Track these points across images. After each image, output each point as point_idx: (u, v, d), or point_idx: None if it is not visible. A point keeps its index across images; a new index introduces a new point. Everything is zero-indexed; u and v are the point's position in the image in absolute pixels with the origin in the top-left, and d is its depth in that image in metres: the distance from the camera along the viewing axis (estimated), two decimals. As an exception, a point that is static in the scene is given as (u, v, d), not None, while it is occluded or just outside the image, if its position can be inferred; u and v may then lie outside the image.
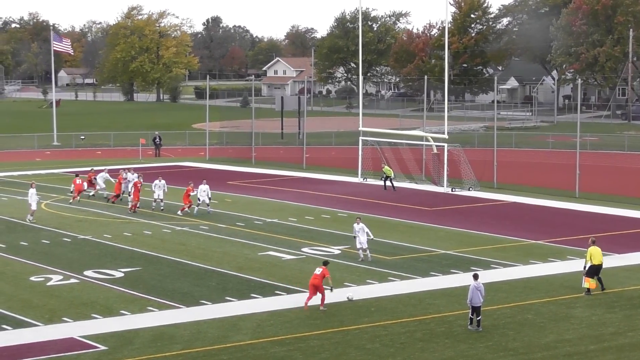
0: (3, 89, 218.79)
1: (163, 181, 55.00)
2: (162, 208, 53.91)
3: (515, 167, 76.48)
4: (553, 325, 30.94)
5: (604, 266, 35.55)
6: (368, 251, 40.66)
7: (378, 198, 59.43)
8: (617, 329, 30.63)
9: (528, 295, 34.85)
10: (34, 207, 51.26)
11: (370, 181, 66.85)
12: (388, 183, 63.15)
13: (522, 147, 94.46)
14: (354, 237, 40.92)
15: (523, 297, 34.56)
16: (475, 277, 30.98)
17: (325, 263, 33.81)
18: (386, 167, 64.44)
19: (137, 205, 53.82)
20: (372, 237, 40.71)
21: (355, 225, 40.84)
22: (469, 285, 30.88)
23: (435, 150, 65.83)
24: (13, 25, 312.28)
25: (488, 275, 37.34)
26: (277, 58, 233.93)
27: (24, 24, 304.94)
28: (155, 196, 54.43)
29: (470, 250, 42.88)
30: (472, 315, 30.53)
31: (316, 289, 32.71)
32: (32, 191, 51.41)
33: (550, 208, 56.22)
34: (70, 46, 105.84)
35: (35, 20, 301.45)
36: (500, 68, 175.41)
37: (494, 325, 30.82)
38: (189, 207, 52.95)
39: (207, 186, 53.27)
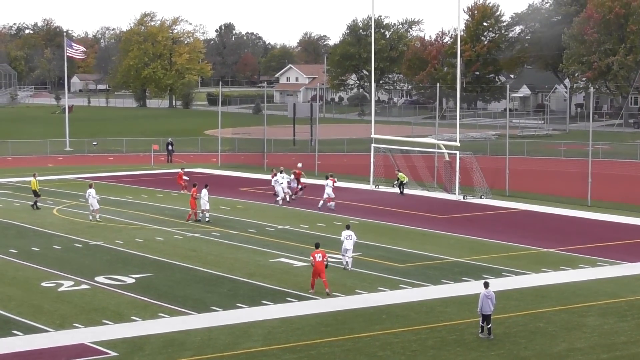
0: (16, 95, 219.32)
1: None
2: (207, 220, 52.85)
3: (527, 175, 76.34)
4: (565, 334, 30.85)
5: (614, 275, 35.40)
6: (351, 259, 40.27)
7: (390, 205, 59.39)
8: (629, 338, 30.51)
9: (540, 303, 34.75)
10: (95, 206, 52.99)
11: (382, 188, 66.82)
12: (403, 189, 63.77)
13: (534, 155, 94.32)
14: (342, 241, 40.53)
15: (534, 305, 34.47)
16: (486, 285, 30.90)
17: (317, 246, 36.46)
18: (400, 173, 64.70)
19: (192, 215, 53.34)
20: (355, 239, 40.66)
21: (343, 231, 40.70)
22: (480, 293, 30.81)
23: (447, 158, 65.78)
24: (27, 31, 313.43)
25: (499, 283, 37.28)
26: (290, 65, 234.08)
27: (38, 30, 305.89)
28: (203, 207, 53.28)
29: (481, 258, 42.79)
30: (482, 323, 30.46)
31: (319, 274, 35.40)
32: (91, 191, 53.16)
33: (562, 216, 56.10)
34: (79, 51, 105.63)
35: (48, 26, 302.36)
36: (512, 76, 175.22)
37: (505, 334, 30.73)
38: (195, 214, 52.82)
39: (205, 191, 53.04)
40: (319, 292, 35.75)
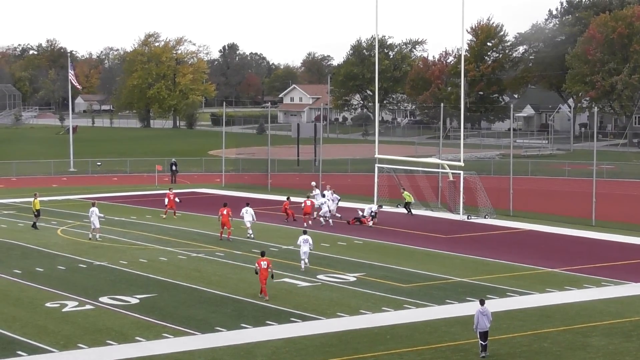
0: (20, 115, 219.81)
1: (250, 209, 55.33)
2: (250, 235, 53.54)
3: (532, 195, 76.31)
4: (570, 354, 30.78)
5: (619, 295, 35.33)
6: (307, 262, 44.53)
7: (394, 225, 59.35)
8: (634, 358, 30.42)
9: (544, 323, 34.70)
10: (97, 225, 53.30)
11: (386, 208, 66.78)
12: (409, 209, 64.12)
13: (538, 175, 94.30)
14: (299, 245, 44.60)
15: (539, 325, 34.41)
16: (482, 302, 31.02)
17: (263, 254, 39.11)
18: (405, 192, 64.81)
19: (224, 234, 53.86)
20: (312, 248, 45.02)
21: (301, 236, 44.65)
22: (475, 311, 30.78)
23: (451, 178, 65.79)
24: (31, 52, 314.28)
25: (504, 303, 37.26)
26: (293, 85, 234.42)
27: (42, 51, 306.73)
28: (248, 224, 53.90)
29: (486, 278, 42.73)
30: (481, 341, 30.40)
31: (265, 279, 38.28)
32: (94, 210, 53.51)
33: (567, 236, 56.05)
34: (75, 78, 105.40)
35: (52, 47, 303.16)
36: (516, 96, 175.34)
37: (509, 354, 30.67)
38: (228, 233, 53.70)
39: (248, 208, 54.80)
40: (321, 312, 35.73)
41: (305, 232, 45.24)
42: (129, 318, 35.41)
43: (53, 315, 36.01)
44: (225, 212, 53.15)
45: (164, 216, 61.99)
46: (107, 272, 44.33)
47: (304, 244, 44.39)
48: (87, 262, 46.62)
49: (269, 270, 38.53)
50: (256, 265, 38.74)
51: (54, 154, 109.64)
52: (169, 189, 65.52)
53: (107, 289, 40.46)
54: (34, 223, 57.73)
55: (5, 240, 53.58)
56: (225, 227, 53.38)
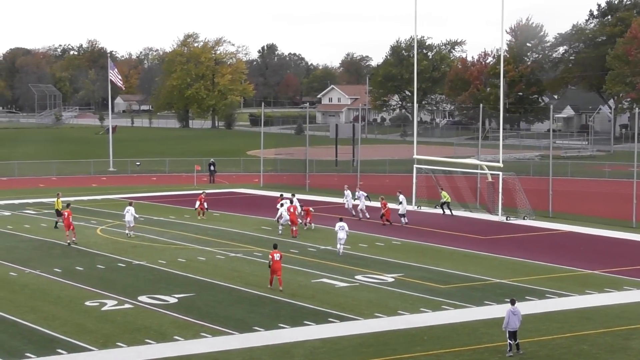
0: (61, 115, 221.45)
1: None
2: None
3: (571, 196, 75.84)
4: (609, 357, 30.55)
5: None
6: (342, 247, 48.25)
7: (432, 226, 59.22)
8: (674, 361, 30.18)
9: (584, 325, 34.46)
10: (132, 223, 54.29)
11: (425, 209, 66.67)
12: (445, 209, 64.20)
13: (578, 176, 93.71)
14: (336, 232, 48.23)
15: (578, 327, 34.18)
16: (512, 302, 31.12)
17: (275, 246, 40.86)
18: (443, 192, 64.71)
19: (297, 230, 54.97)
20: (348, 234, 48.56)
21: (337, 223, 48.64)
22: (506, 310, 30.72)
23: (490, 179, 65.54)
24: (71, 52, 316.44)
25: (543, 305, 37.07)
26: (332, 86, 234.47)
27: (82, 51, 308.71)
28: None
29: (524, 280, 42.51)
30: (510, 340, 30.31)
31: (276, 272, 39.74)
32: (130, 209, 54.55)
33: (607, 238, 55.66)
34: (119, 78, 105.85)
35: (93, 48, 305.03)
36: (556, 97, 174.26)
37: (549, 356, 30.50)
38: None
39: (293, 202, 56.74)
40: (359, 312, 35.71)
41: (341, 219, 49.19)
42: (168, 317, 35.55)
43: (92, 313, 36.23)
44: (292, 210, 55.25)
45: (205, 217, 62.04)
46: (146, 272, 44.55)
47: (340, 231, 48.00)
48: (126, 262, 46.87)
49: (281, 261, 40.22)
50: (269, 257, 40.21)
51: (93, 154, 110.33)
52: (202, 192, 65.62)
53: (146, 288, 40.66)
54: (57, 222, 58.14)
55: (45, 239, 54.00)
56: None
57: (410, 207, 63.92)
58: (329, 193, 76.54)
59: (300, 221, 57.04)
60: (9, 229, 58.38)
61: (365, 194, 63.35)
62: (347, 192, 64.84)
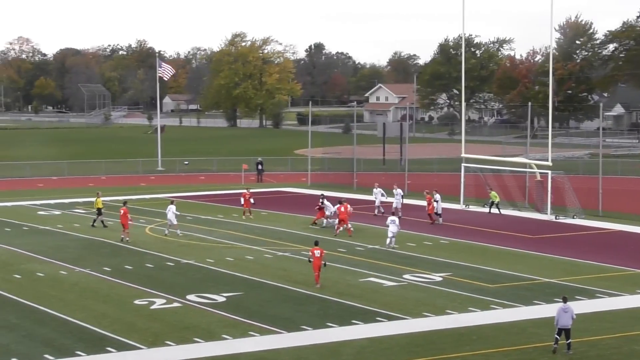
0: (110, 115, 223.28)
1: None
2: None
3: (622, 195, 75.16)
4: (660, 357, 30.24)
5: None
6: (394, 239, 49.61)
7: (480, 225, 58.93)
8: None
9: (634, 325, 34.13)
10: (173, 221, 54.66)
11: (473, 208, 66.38)
12: (494, 209, 63.63)
13: (628, 175, 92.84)
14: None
15: (629, 327, 33.85)
16: (564, 300, 31.07)
17: (317, 243, 41.62)
18: (493, 192, 64.39)
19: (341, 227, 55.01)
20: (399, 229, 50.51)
21: (389, 217, 51.22)
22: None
23: (538, 177, 65.11)
24: (120, 52, 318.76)
25: (593, 305, 36.77)
26: (379, 84, 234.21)
27: (131, 51, 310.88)
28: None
29: (574, 279, 42.18)
30: (558, 335, 30.27)
31: (319, 267, 40.35)
32: (172, 207, 54.95)
33: (658, 237, 55.12)
34: (167, 70, 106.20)
35: (141, 47, 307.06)
36: (605, 94, 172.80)
37: (599, 356, 30.24)
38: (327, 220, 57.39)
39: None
40: (407, 311, 35.65)
41: (393, 213, 52.74)
42: (216, 316, 35.67)
43: (141, 312, 36.45)
44: (342, 209, 54.95)
45: (251, 216, 62.22)
46: (194, 271, 44.74)
47: (392, 224, 49.86)
48: (174, 260, 47.10)
49: (322, 259, 40.70)
50: (309, 254, 41.01)
51: (142, 153, 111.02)
52: (246, 189, 65.66)
53: (194, 287, 40.82)
54: (94, 220, 58.57)
55: (95, 238, 54.41)
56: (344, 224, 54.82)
57: (457, 207, 63.58)
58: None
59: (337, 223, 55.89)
60: (59, 227, 58.94)
61: (402, 192, 63.49)
62: (377, 190, 64.32)
